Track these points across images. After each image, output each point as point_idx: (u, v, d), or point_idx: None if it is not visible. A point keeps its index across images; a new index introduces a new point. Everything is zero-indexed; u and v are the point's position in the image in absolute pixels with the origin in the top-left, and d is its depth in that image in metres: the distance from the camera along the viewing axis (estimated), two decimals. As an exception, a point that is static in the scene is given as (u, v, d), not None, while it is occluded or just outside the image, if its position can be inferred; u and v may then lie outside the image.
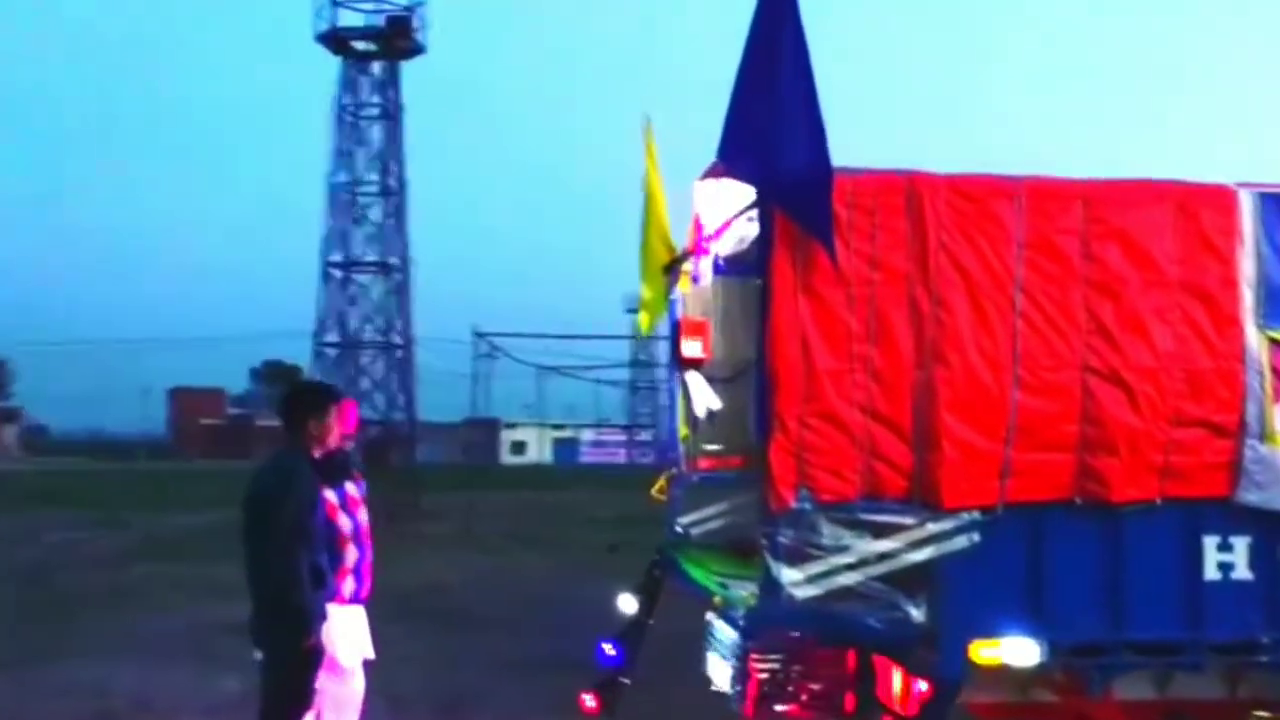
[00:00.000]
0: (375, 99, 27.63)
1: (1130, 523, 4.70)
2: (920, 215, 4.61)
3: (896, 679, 4.99)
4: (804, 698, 5.34)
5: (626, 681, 6.19)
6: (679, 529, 6.88)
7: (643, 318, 7.04)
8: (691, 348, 6.82)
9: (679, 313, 6.95)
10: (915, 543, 4.60)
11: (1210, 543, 4.75)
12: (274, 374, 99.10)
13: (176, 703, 7.95)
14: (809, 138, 4.40)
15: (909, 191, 4.62)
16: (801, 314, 4.57)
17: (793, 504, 4.58)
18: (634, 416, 75.37)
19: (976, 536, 4.60)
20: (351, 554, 5.50)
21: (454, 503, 24.30)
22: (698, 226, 6.33)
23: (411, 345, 27.88)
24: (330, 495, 5.49)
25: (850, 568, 4.61)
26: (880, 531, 4.62)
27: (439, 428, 53.57)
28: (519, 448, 77.26)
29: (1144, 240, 4.70)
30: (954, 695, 4.72)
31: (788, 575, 4.60)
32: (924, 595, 4.60)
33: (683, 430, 6.93)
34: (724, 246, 5.78)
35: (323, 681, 5.37)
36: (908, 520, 4.60)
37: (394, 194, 27.50)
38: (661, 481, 7.00)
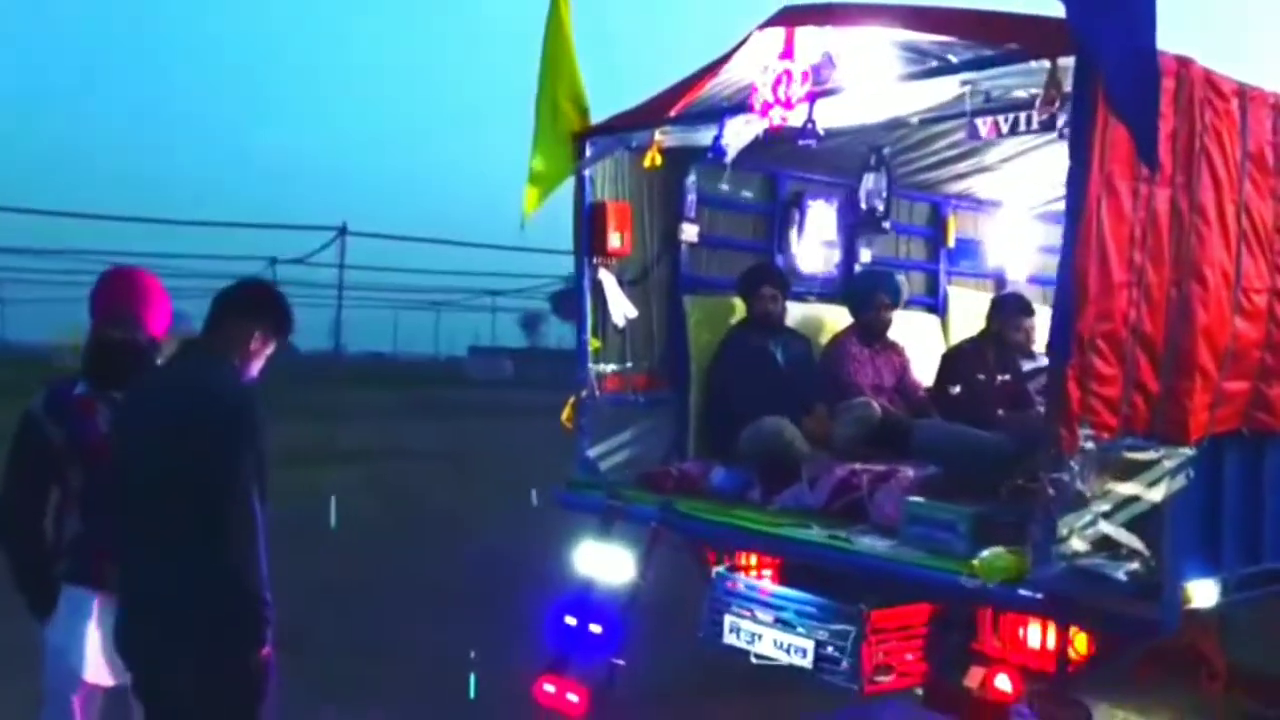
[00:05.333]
0: None
1: (1273, 453, 4.60)
2: (1189, 108, 3.97)
3: (1039, 633, 4.42)
4: (897, 663, 4.61)
5: (620, 663, 4.82)
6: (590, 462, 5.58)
7: (530, 194, 5.44)
8: (616, 239, 5.54)
9: (594, 194, 5.56)
10: (1152, 482, 4.05)
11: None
12: None
13: None
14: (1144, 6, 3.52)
15: (1180, 77, 3.95)
16: (1101, 214, 3.74)
17: (1081, 443, 3.77)
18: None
19: (1192, 472, 4.16)
20: None
21: None
22: (695, 83, 5.00)
23: None
24: (104, 420, 3.59)
25: (1105, 515, 3.93)
26: (1124, 471, 3.99)
27: None
28: None
29: (1312, 159, 4.55)
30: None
31: (1062, 528, 3.79)
32: (1146, 540, 4.08)
33: (594, 343, 5.58)
34: (832, 116, 4.58)
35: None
36: (1153, 456, 4.02)
37: None
38: (569, 406, 5.56)
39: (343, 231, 30.87)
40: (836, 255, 6.64)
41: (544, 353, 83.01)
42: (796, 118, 4.59)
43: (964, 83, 4.16)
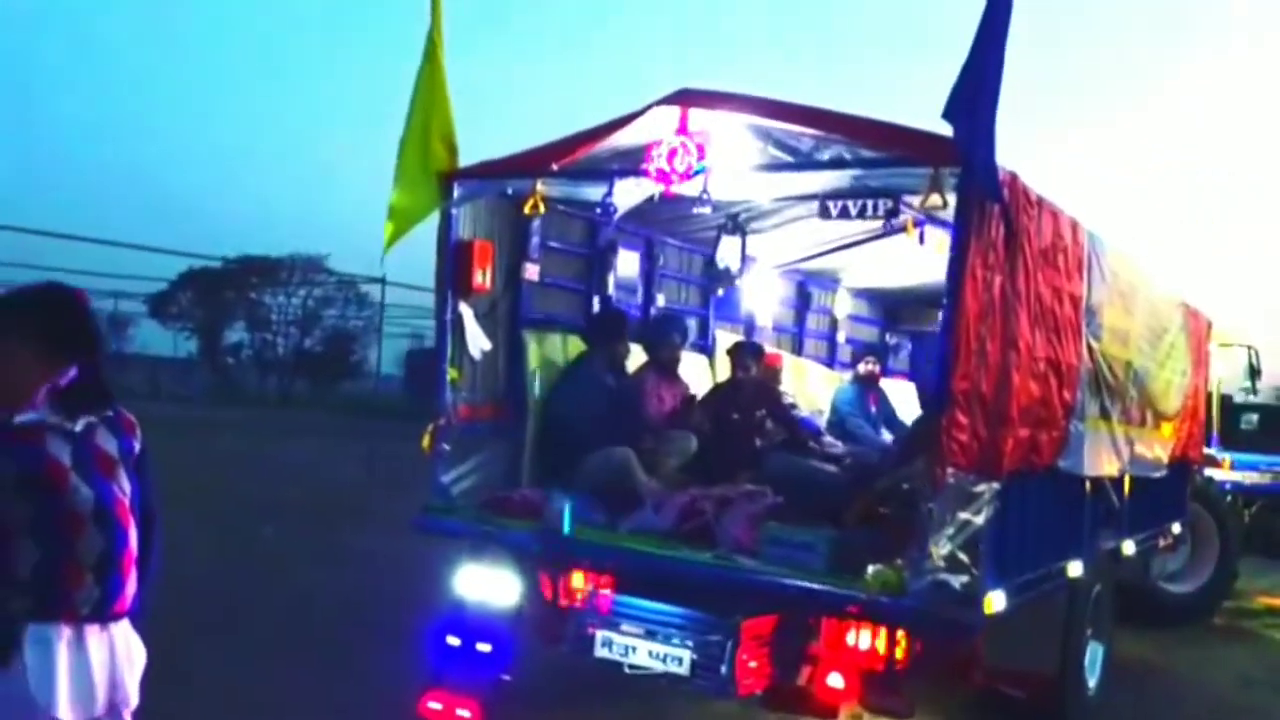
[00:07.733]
0: None
1: (1033, 485, 5.74)
2: (1015, 212, 4.98)
3: (866, 637, 5.24)
4: (754, 665, 5.30)
5: (507, 678, 5.13)
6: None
7: (389, 229, 5.66)
8: (480, 277, 5.94)
9: (461, 231, 5.89)
10: (978, 510, 5.00)
11: (1049, 499, 6.04)
12: None
13: None
14: (990, 107, 4.46)
15: (1011, 186, 4.96)
16: (968, 296, 4.64)
17: (950, 480, 4.64)
18: None
19: (999, 503, 5.18)
20: (88, 543, 3.38)
21: None
22: (585, 142, 5.46)
23: None
24: (57, 448, 3.38)
25: (949, 539, 4.82)
26: (964, 501, 4.91)
27: None
28: None
29: (1069, 256, 5.75)
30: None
31: (932, 550, 4.64)
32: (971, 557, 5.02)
33: (452, 373, 5.88)
34: (722, 189, 5.19)
35: None
36: (981, 489, 4.97)
37: None
38: (428, 434, 5.78)
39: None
40: (639, 298, 7.31)
41: (134, 360, 76.90)
42: (691, 188, 5.19)
43: (855, 178, 4.96)
